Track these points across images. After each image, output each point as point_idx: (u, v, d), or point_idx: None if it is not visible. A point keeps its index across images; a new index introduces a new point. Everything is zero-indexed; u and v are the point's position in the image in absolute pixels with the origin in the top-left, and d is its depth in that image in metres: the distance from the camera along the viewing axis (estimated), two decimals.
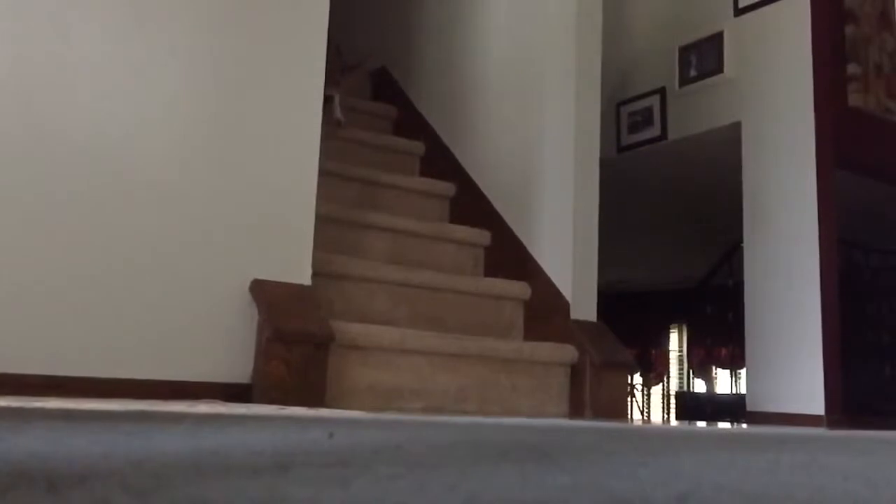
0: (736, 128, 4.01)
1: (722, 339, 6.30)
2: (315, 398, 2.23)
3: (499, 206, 3.37)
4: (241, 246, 2.32)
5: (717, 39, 4.10)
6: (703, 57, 4.16)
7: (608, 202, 3.17)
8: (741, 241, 4.01)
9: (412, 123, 3.91)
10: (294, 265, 2.39)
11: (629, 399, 6.61)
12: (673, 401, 7.93)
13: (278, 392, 2.19)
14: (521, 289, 3.08)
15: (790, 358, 3.63)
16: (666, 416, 7.88)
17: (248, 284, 2.29)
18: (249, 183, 2.36)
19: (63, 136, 2.12)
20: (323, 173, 2.51)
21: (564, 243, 3.02)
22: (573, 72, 3.11)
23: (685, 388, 8.74)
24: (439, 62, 3.90)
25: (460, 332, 2.82)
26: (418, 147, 3.78)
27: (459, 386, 2.55)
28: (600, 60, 3.19)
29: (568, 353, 2.82)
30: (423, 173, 3.71)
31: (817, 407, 3.50)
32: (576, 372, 2.84)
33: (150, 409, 1.59)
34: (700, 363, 8.13)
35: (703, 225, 5.96)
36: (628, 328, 4.91)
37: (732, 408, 5.14)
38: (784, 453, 1.18)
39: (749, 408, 3.81)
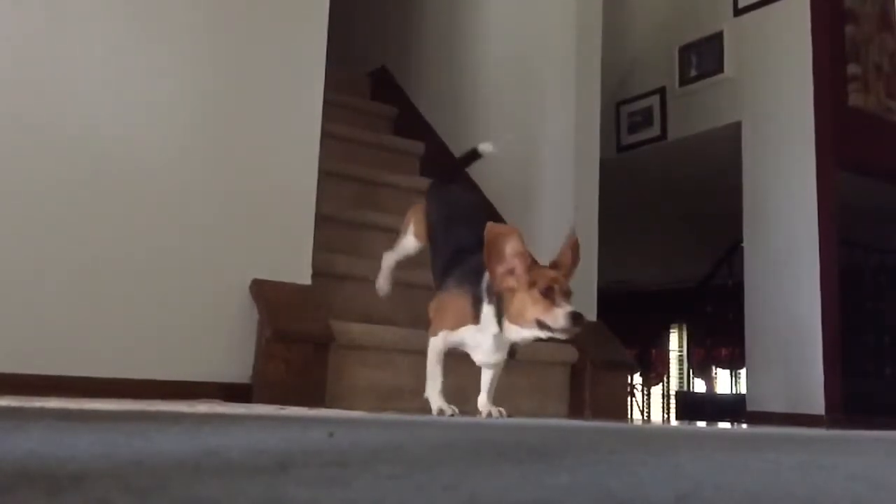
0: (736, 127, 4.02)
1: (722, 339, 6.29)
2: (315, 398, 2.23)
3: (499, 205, 3.37)
4: (240, 246, 2.32)
5: (717, 39, 4.10)
6: (703, 57, 4.17)
7: (608, 202, 3.17)
8: (741, 241, 4.01)
9: (412, 123, 3.91)
10: (294, 265, 2.39)
11: (629, 399, 6.61)
12: (673, 401, 7.93)
13: (278, 392, 2.19)
14: None
15: (790, 358, 3.63)
16: (666, 416, 7.88)
17: (248, 284, 2.29)
18: (249, 183, 2.36)
19: (63, 137, 2.12)
20: (323, 173, 2.51)
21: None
22: (573, 72, 3.11)
23: (685, 388, 8.73)
24: (439, 62, 3.90)
25: None
26: (418, 147, 3.78)
27: (459, 386, 2.54)
28: (600, 60, 3.19)
29: (568, 352, 2.82)
30: (424, 173, 3.71)
31: (817, 407, 3.50)
32: (576, 372, 2.84)
33: (150, 409, 1.59)
34: (700, 363, 8.12)
35: (703, 225, 5.96)
36: (628, 328, 4.91)
37: (732, 408, 5.13)
38: (784, 453, 1.18)
39: (749, 408, 3.81)
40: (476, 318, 2.04)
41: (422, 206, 2.40)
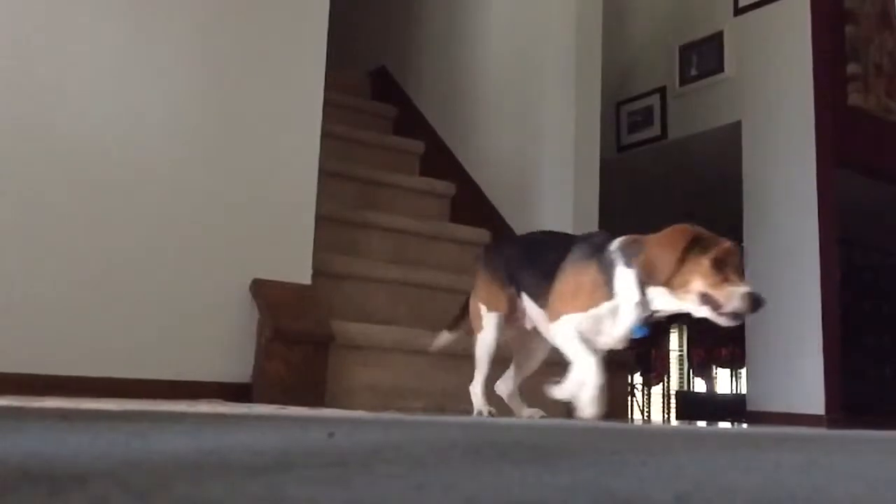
0: (736, 127, 4.01)
1: (722, 339, 6.29)
2: (315, 398, 2.23)
3: (499, 205, 3.37)
4: (241, 246, 2.32)
5: (717, 39, 4.10)
6: (703, 56, 4.16)
7: (608, 202, 3.17)
8: (741, 241, 4.01)
9: (412, 123, 3.91)
10: (294, 265, 2.39)
11: (629, 399, 6.61)
12: (673, 401, 7.93)
13: (278, 392, 2.19)
14: None
15: (790, 358, 3.63)
16: (666, 416, 7.87)
17: (248, 284, 2.29)
18: (250, 183, 2.36)
19: (64, 137, 2.12)
20: (323, 172, 2.51)
21: None
22: (573, 72, 3.11)
23: (685, 388, 8.74)
24: (439, 62, 3.90)
25: (461, 331, 2.82)
26: (418, 146, 3.78)
27: (459, 386, 2.54)
28: (600, 60, 3.19)
29: None
30: (423, 173, 3.71)
31: (817, 407, 3.50)
32: None
33: (150, 409, 1.59)
34: (700, 363, 8.12)
35: (703, 225, 5.95)
36: None
37: (732, 407, 5.14)
38: (784, 453, 1.18)
39: (749, 408, 3.81)
40: (610, 292, 1.75)
41: (480, 277, 2.12)
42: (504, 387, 2.17)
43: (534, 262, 1.96)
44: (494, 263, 2.09)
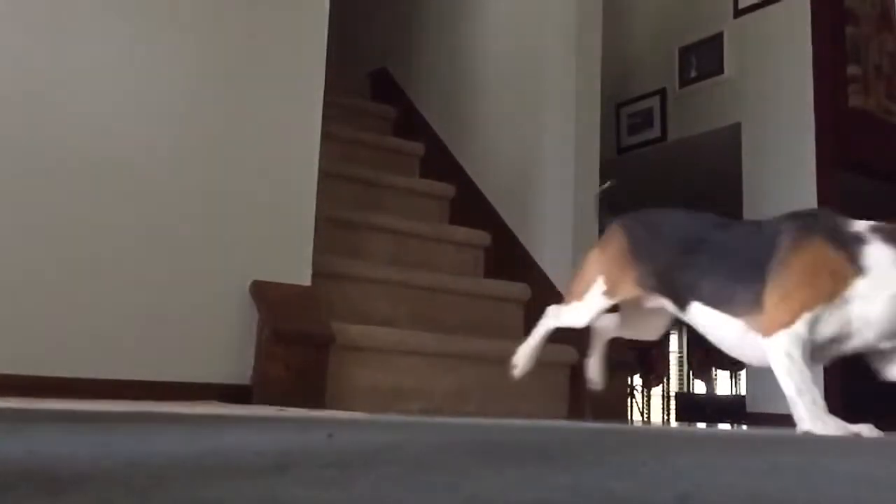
0: (736, 128, 4.02)
1: None
2: (315, 399, 2.23)
3: (499, 206, 3.37)
4: (241, 246, 2.32)
5: (717, 40, 4.11)
6: (703, 58, 4.17)
7: (608, 203, 3.17)
8: None
9: (412, 123, 3.91)
10: (294, 265, 2.39)
11: (629, 399, 6.61)
12: (673, 402, 7.93)
13: (278, 393, 2.19)
14: (521, 290, 3.08)
15: None
16: (666, 417, 7.87)
17: (248, 285, 2.29)
18: (249, 183, 2.36)
19: (63, 137, 2.12)
20: (323, 174, 2.51)
21: (564, 244, 3.03)
22: (573, 72, 3.11)
23: (685, 390, 8.73)
24: (439, 62, 3.91)
25: (460, 332, 2.82)
26: (418, 147, 3.78)
27: (459, 386, 2.55)
28: (600, 60, 3.19)
29: (568, 353, 2.82)
30: (423, 174, 3.71)
31: None
32: (576, 372, 2.84)
33: (149, 409, 1.59)
34: (700, 364, 8.12)
35: None
36: None
37: (732, 409, 5.13)
38: (784, 454, 1.18)
39: (749, 409, 3.81)
40: (857, 269, 1.29)
41: (620, 249, 1.72)
42: (604, 324, 1.87)
43: (717, 261, 1.56)
44: (645, 247, 1.69)
